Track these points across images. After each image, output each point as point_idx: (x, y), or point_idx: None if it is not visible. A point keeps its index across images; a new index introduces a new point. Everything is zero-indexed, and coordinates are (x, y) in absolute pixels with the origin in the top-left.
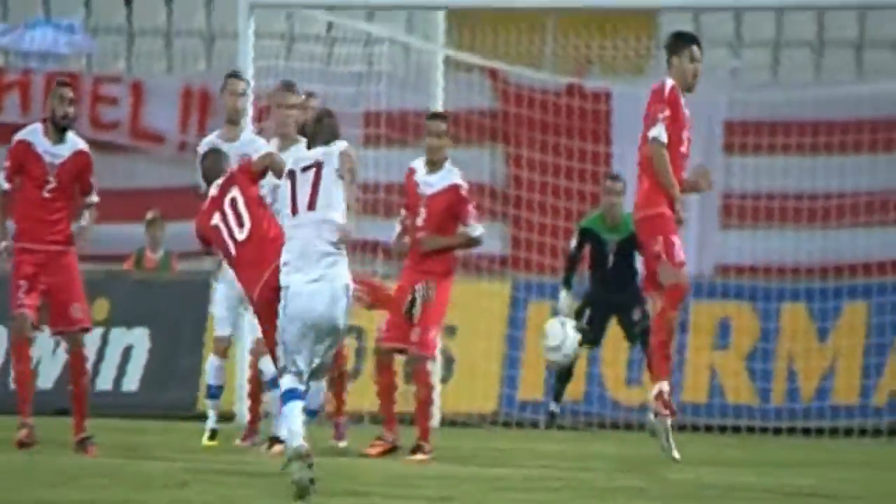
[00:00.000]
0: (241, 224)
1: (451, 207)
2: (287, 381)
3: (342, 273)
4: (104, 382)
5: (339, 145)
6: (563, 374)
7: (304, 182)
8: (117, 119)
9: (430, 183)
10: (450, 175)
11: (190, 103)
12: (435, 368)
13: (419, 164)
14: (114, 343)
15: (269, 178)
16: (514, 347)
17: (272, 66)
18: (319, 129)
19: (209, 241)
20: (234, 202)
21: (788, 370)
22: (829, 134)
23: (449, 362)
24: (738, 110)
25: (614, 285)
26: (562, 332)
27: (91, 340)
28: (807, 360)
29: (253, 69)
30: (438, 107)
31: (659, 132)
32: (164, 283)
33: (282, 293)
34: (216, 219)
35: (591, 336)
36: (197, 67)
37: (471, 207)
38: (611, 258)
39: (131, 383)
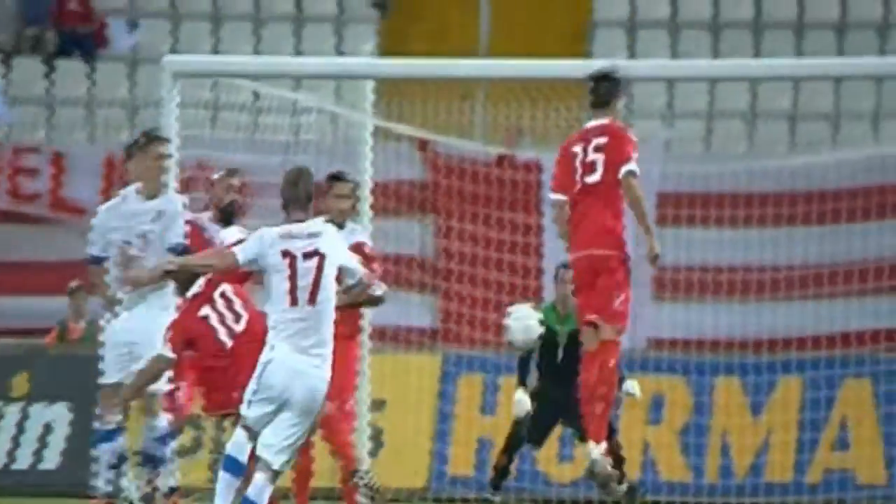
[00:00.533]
0: (237, 317)
1: None
2: (236, 443)
3: (328, 371)
4: (23, 461)
5: (353, 233)
6: (514, 440)
7: (306, 272)
8: (37, 190)
9: None
10: (353, 234)
11: (112, 174)
12: (361, 441)
13: None
14: (34, 419)
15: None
16: (445, 422)
17: (197, 135)
18: (296, 195)
19: (188, 335)
20: (224, 295)
21: (722, 445)
22: (762, 206)
23: (378, 436)
24: (671, 182)
25: (563, 378)
26: (526, 315)
27: (10, 417)
28: (741, 436)
29: (178, 139)
30: (367, 177)
31: (636, 167)
32: (86, 356)
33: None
34: (206, 310)
35: (536, 437)
36: (120, 137)
37: (375, 266)
38: (560, 350)
39: (51, 461)
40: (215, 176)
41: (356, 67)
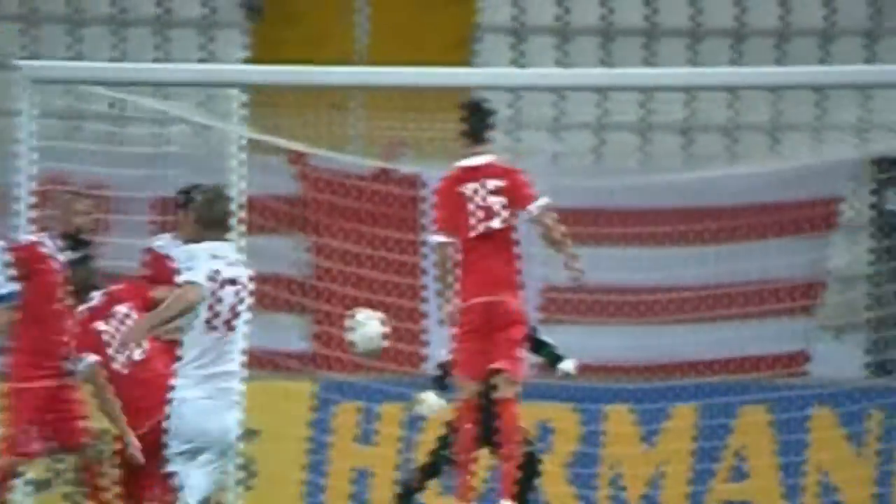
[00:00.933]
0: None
1: None
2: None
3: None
4: None
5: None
6: (427, 471)
7: (228, 296)
8: None
9: None
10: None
11: None
12: (230, 472)
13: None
14: None
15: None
16: (320, 452)
17: (53, 146)
18: (216, 214)
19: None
20: (129, 317)
21: (613, 476)
22: (655, 223)
23: (250, 466)
24: (560, 197)
25: None
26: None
27: None
28: (633, 466)
29: (33, 151)
30: (237, 192)
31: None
32: None
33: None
34: (102, 325)
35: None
36: None
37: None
38: None
39: None
40: (65, 197)
41: (224, 75)
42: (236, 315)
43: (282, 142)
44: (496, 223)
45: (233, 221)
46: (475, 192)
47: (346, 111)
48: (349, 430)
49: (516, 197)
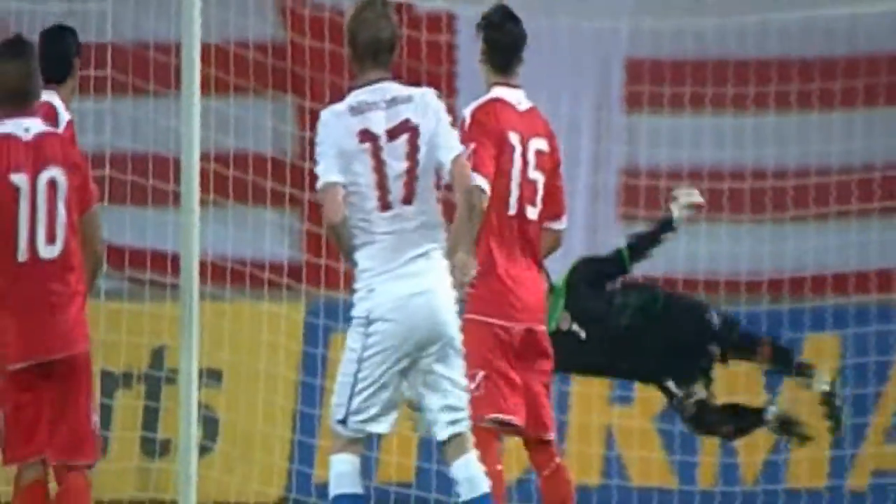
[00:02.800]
0: (51, 235)
1: None
2: (342, 464)
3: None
4: None
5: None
6: None
7: (395, 157)
8: None
9: None
10: None
11: None
12: (189, 438)
13: None
14: None
15: None
16: (310, 402)
17: None
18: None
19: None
20: (53, 189)
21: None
22: (801, 78)
23: (211, 425)
24: (643, 44)
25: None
26: None
27: None
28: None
29: None
30: (195, 40)
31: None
32: None
33: (365, 311)
34: (22, 179)
35: None
36: None
37: None
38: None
39: None
40: None
41: None
42: (417, 177)
43: None
44: (533, 212)
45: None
46: (521, 150)
47: None
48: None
49: (554, 188)
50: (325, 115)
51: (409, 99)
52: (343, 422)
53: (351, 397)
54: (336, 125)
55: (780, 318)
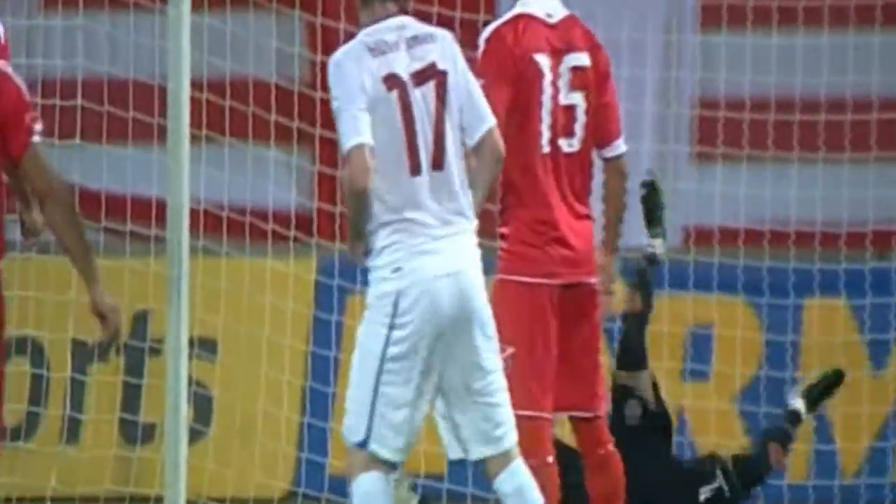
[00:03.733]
0: None
1: None
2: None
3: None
4: None
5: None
6: None
7: (424, 109)
8: None
9: None
10: None
11: None
12: (177, 421)
13: None
14: None
15: None
16: (322, 377)
17: None
18: None
19: None
20: None
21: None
22: None
23: (204, 405)
24: None
25: None
26: None
27: None
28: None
29: None
30: None
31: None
32: None
33: (389, 295)
34: None
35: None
36: None
37: None
38: None
39: None
40: None
41: None
42: (446, 134)
43: None
44: (572, 144)
45: None
46: (552, 68)
47: None
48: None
49: (603, 103)
50: (340, 58)
51: (431, 38)
52: (363, 445)
53: (371, 417)
54: (356, 70)
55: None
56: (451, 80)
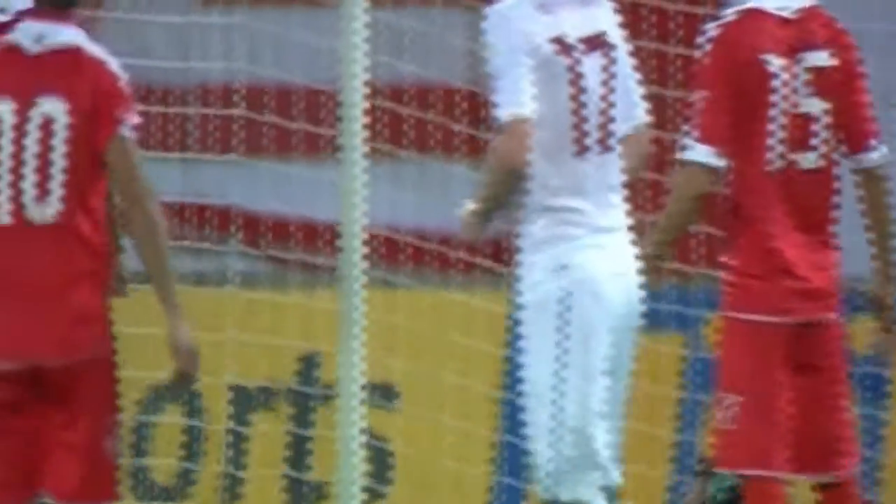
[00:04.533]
0: (43, 190)
1: None
2: None
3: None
4: None
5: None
6: None
7: (595, 81)
8: None
9: None
10: None
11: None
12: (352, 479)
13: None
14: None
15: None
16: (512, 427)
17: None
18: None
19: None
20: (48, 129)
21: None
22: None
23: (382, 459)
24: None
25: None
26: None
27: None
28: None
29: None
30: None
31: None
32: None
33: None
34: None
35: None
36: None
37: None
38: None
39: None
40: None
41: None
42: (614, 109)
43: None
44: (811, 160)
45: None
46: (789, 71)
47: None
48: None
49: (852, 109)
50: (504, 10)
51: (598, 1)
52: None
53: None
54: (519, 26)
55: None
56: (619, 56)
